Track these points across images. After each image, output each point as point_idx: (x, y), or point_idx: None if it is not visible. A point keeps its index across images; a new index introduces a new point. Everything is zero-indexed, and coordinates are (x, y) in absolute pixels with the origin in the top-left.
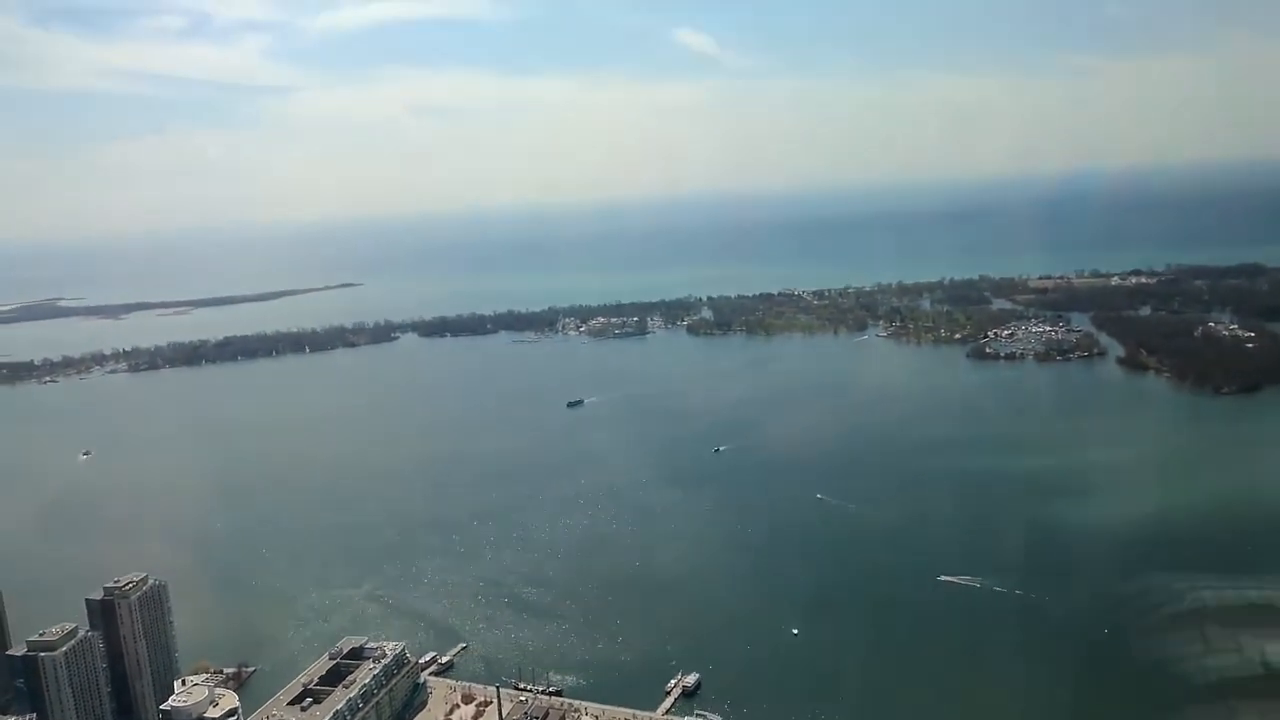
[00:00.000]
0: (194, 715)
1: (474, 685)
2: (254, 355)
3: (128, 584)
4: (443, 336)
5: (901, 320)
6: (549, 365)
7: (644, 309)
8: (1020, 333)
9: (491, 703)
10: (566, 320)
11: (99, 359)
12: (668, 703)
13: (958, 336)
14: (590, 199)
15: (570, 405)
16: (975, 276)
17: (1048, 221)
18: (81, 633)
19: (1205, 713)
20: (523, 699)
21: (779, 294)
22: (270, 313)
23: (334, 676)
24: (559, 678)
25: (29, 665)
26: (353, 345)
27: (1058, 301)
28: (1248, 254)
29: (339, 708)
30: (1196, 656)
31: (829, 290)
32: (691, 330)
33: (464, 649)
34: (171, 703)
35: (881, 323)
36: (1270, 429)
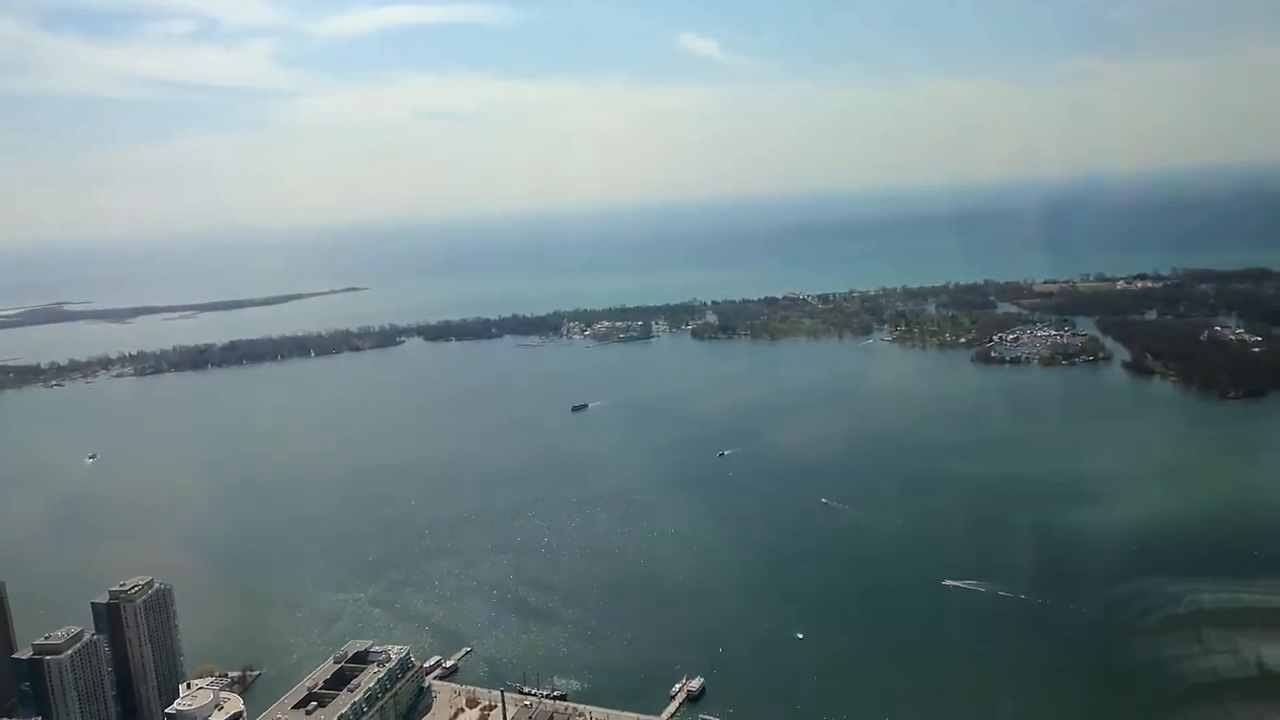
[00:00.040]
0: (199, 719)
1: (478, 689)
2: (259, 359)
3: (133, 587)
4: (447, 340)
5: (906, 324)
6: (553, 369)
7: (648, 313)
8: (1025, 337)
9: (496, 707)
10: (571, 324)
11: (105, 363)
12: (672, 707)
13: (963, 341)
14: (594, 203)
15: (574, 409)
16: (980, 281)
17: (1052, 225)
18: (87, 636)
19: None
20: (527, 703)
21: (783, 298)
22: (275, 317)
23: (339, 680)
24: (563, 682)
25: (34, 668)
26: (358, 349)
27: (1063, 305)
28: (1254, 258)
29: (343, 711)
30: (1202, 660)
31: (834, 294)
32: (696, 334)
33: (468, 653)
34: (176, 706)
35: (886, 327)
36: (1278, 433)
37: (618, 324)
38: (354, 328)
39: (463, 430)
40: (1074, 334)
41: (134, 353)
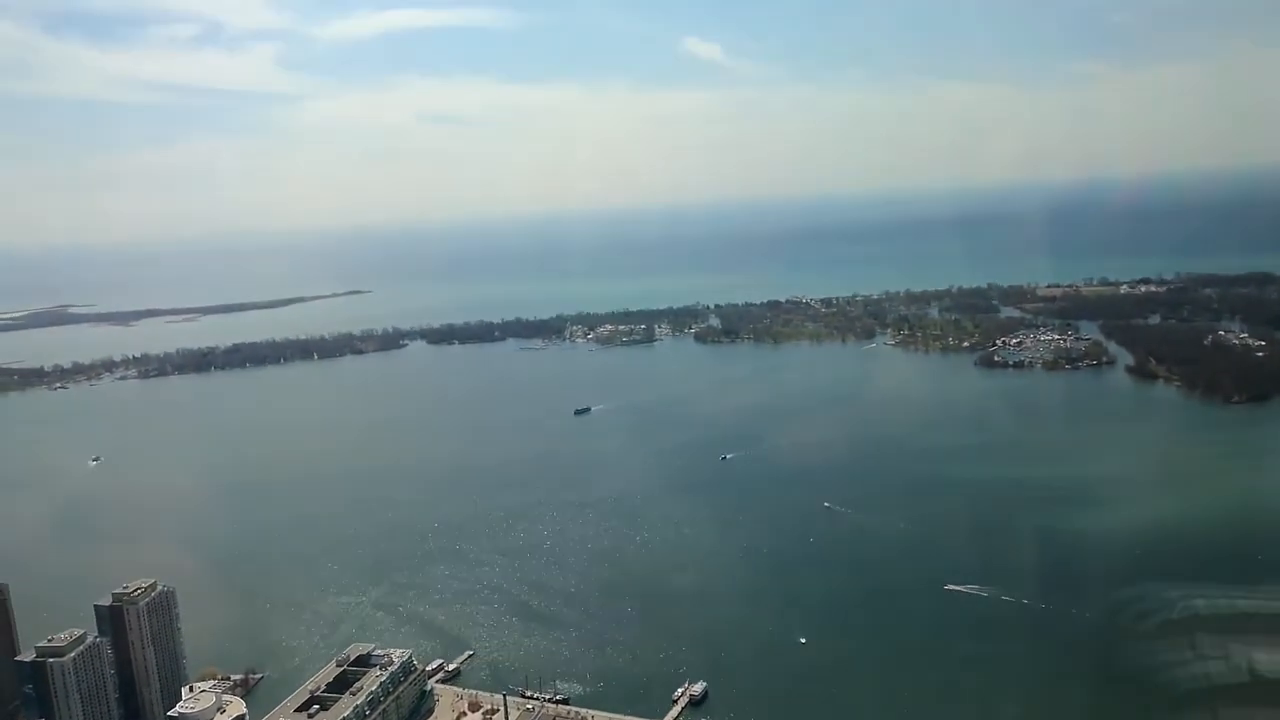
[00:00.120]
0: None
1: (480, 693)
2: (263, 362)
3: (136, 590)
4: (450, 344)
5: (910, 328)
6: (556, 372)
7: (651, 316)
8: (1029, 341)
9: (498, 710)
10: (574, 328)
11: (109, 365)
12: (674, 711)
13: (966, 345)
14: (597, 206)
15: (577, 413)
16: (983, 284)
17: (1055, 229)
18: (90, 639)
19: None
20: (529, 707)
21: (786, 302)
22: (278, 320)
23: (341, 684)
24: (566, 686)
25: (38, 671)
26: (361, 352)
27: (1066, 310)
28: (1258, 262)
29: (345, 715)
30: (1203, 666)
31: (837, 298)
32: (699, 338)
33: (471, 656)
34: (179, 709)
35: (889, 331)
36: None
37: (620, 327)
38: (357, 331)
39: (465, 433)
40: (1077, 338)
41: (137, 355)
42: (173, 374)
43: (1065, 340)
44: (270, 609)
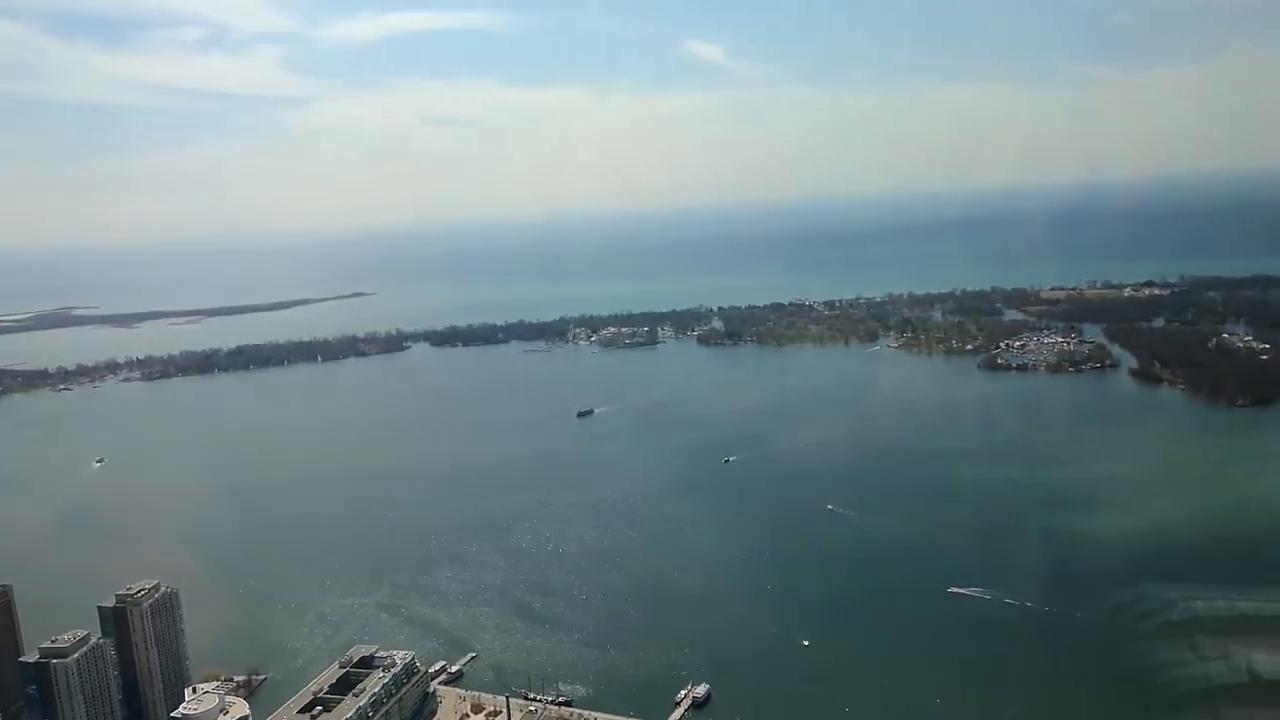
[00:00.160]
0: None
1: (483, 695)
2: (266, 364)
3: (139, 591)
4: (454, 346)
5: (913, 331)
6: (559, 375)
7: (654, 319)
8: (1032, 344)
9: (501, 712)
10: (577, 330)
11: (113, 367)
12: (677, 714)
13: (969, 347)
14: (599, 208)
15: (580, 415)
16: (987, 287)
17: (1058, 231)
18: (93, 640)
19: None
20: (532, 709)
21: (790, 304)
22: (282, 322)
23: (344, 685)
24: (568, 688)
25: (41, 672)
26: (364, 354)
27: (1070, 312)
28: (1262, 265)
29: (348, 716)
30: (1208, 668)
31: (840, 301)
32: (702, 340)
33: (473, 658)
34: (182, 710)
35: (893, 333)
36: None
37: (624, 330)
38: (360, 333)
39: (468, 435)
40: (1081, 341)
41: (141, 357)
42: (176, 376)
43: (1069, 343)
44: (273, 610)
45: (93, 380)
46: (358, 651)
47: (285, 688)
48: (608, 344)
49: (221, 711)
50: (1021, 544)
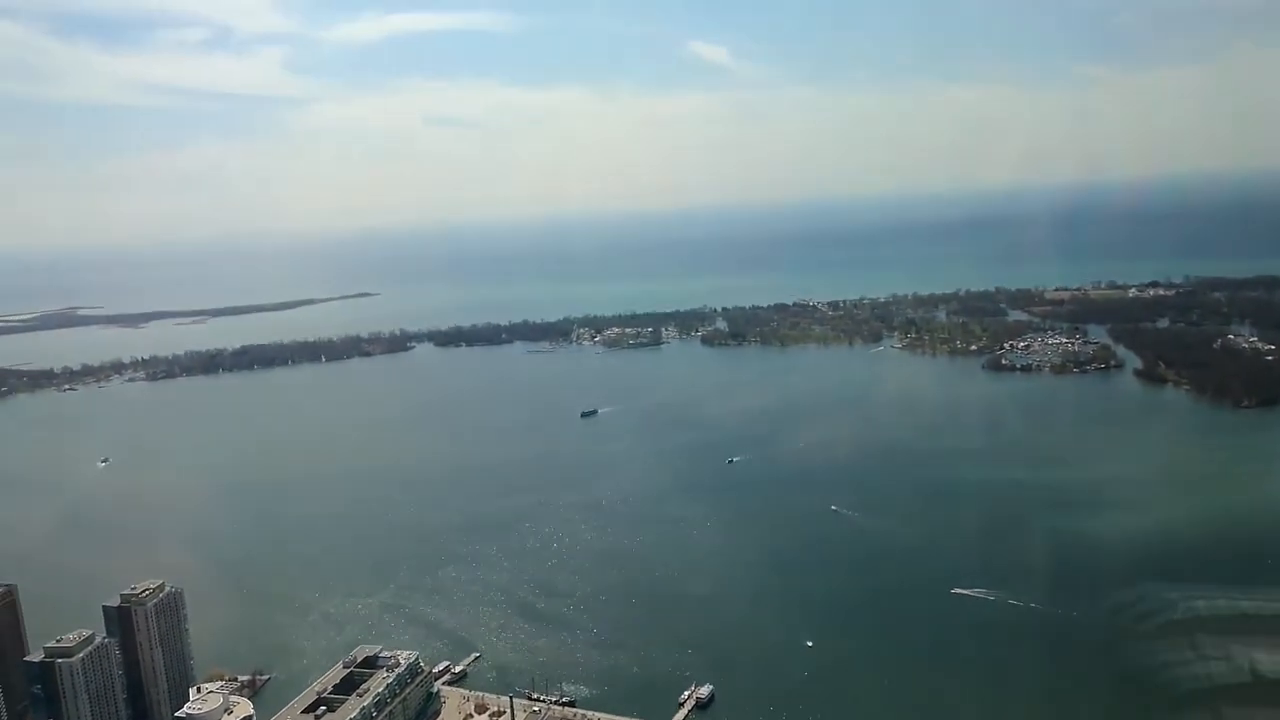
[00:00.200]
0: None
1: (487, 695)
2: (270, 364)
3: (144, 591)
4: (458, 346)
5: (917, 331)
6: (563, 375)
7: (658, 319)
8: (1036, 344)
9: (504, 712)
10: (581, 330)
11: (118, 367)
12: (681, 714)
13: (973, 348)
14: (602, 209)
15: (584, 415)
16: (991, 288)
17: (1062, 231)
18: (98, 640)
19: None
20: (536, 709)
21: (794, 305)
22: (286, 322)
23: (348, 685)
24: (572, 688)
25: (46, 672)
26: (368, 355)
27: (1074, 313)
28: (1266, 265)
29: (352, 716)
30: (1210, 668)
31: (844, 301)
32: (706, 341)
33: (477, 658)
34: (186, 710)
35: (897, 334)
36: None
37: (628, 330)
38: (364, 333)
39: (472, 436)
40: (1085, 342)
41: (146, 357)
42: (181, 376)
43: (1073, 344)
44: (277, 610)
45: (98, 380)
46: (362, 651)
47: (289, 687)
48: (612, 344)
49: (226, 711)
50: (1025, 545)
